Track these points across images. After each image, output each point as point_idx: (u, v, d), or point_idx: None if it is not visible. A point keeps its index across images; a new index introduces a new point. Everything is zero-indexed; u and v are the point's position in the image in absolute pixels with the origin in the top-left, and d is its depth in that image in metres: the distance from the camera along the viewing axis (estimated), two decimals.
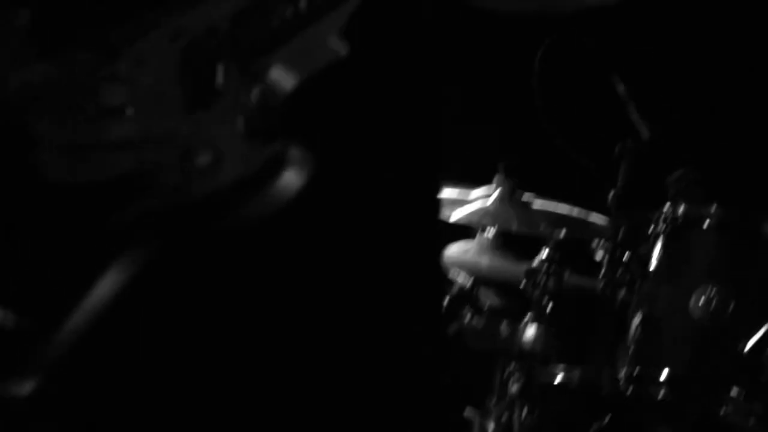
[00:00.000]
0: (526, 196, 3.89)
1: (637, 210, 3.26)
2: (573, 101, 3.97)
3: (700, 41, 4.30)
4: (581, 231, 3.68)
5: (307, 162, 1.48)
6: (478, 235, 3.92)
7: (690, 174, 3.24)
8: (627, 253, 3.22)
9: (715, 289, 3.13)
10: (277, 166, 1.47)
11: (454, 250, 3.85)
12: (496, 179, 3.90)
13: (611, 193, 3.23)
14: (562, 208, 3.85)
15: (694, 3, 4.27)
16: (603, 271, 3.23)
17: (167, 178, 1.50)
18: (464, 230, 3.99)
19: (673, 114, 3.83)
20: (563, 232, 3.41)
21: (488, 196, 3.90)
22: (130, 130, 1.51)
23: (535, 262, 3.39)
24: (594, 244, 3.30)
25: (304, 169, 1.48)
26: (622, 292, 3.26)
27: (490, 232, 3.89)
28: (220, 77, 1.51)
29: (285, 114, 1.50)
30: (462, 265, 3.75)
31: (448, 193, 3.97)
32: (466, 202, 3.93)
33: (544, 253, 3.39)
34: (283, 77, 1.50)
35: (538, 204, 3.89)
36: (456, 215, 3.88)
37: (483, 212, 3.88)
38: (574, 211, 3.78)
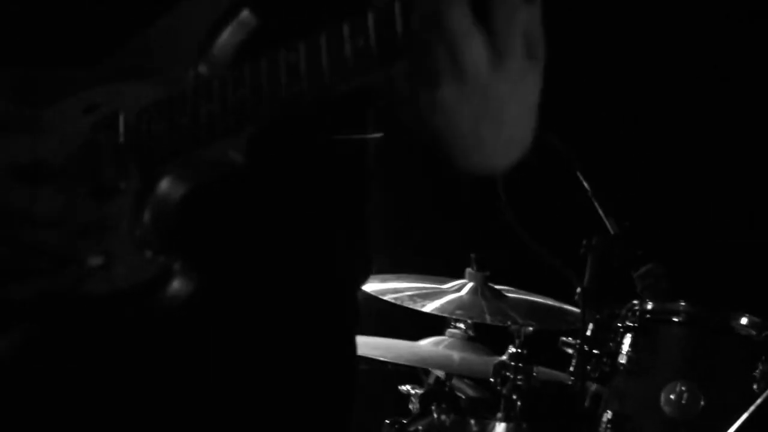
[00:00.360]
0: (499, 288, 3.88)
1: (605, 305, 3.25)
2: (539, 196, 3.98)
3: (666, 136, 4.33)
4: (555, 322, 3.68)
5: (192, 276, 1.50)
6: (450, 328, 3.90)
7: (657, 269, 3.24)
8: (595, 349, 3.20)
9: (684, 385, 3.11)
10: (164, 277, 1.49)
11: (427, 343, 3.83)
12: (468, 271, 3.90)
13: (578, 290, 3.22)
14: (535, 299, 3.84)
15: (657, 97, 4.31)
16: (573, 366, 3.21)
17: (62, 265, 1.51)
18: (438, 322, 3.97)
19: (640, 209, 3.84)
20: (531, 327, 3.40)
21: (461, 287, 3.90)
22: (46, 201, 1.52)
23: (504, 357, 3.37)
24: (562, 340, 3.29)
25: (190, 282, 1.50)
26: (593, 387, 3.24)
27: (463, 324, 3.88)
28: (121, 174, 1.51)
29: (175, 225, 1.52)
30: (434, 359, 3.73)
31: (421, 283, 3.97)
32: (439, 293, 3.92)
33: (513, 348, 3.37)
34: (172, 189, 1.51)
35: (511, 295, 3.88)
36: (429, 307, 3.87)
37: (456, 304, 3.86)
38: (547, 302, 3.77)
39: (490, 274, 3.86)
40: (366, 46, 1.38)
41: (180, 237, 1.51)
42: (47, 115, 1.56)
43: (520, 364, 3.32)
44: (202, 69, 1.51)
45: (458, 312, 3.86)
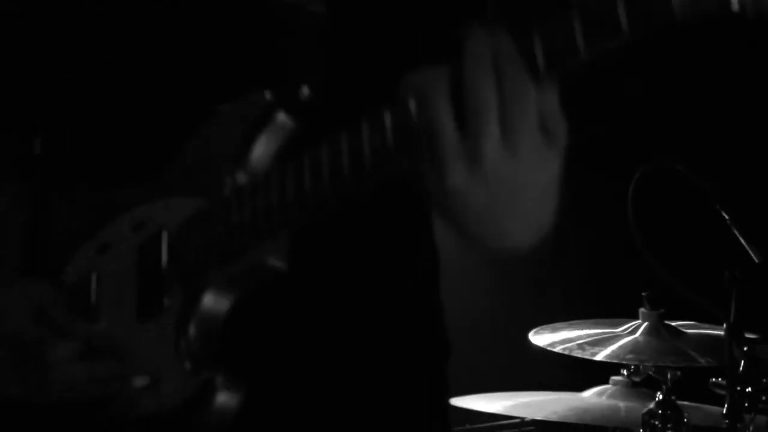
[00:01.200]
0: (677, 324, 3.69)
1: (755, 339, 3.04)
2: (675, 230, 3.79)
3: None
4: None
5: (238, 388, 1.47)
6: (620, 375, 3.72)
7: None
8: (749, 388, 3.00)
9: None
10: (209, 392, 1.46)
11: (590, 394, 3.67)
12: (642, 311, 3.72)
13: (724, 325, 3.02)
14: (717, 332, 3.62)
15: None
16: (725, 408, 3.01)
17: (113, 390, 1.50)
18: (611, 369, 3.81)
19: None
20: (678, 372, 3.20)
21: (636, 329, 3.72)
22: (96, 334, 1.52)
23: (651, 406, 3.19)
24: (712, 381, 3.09)
25: (237, 394, 1.46)
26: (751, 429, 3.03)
27: (632, 370, 3.70)
28: (165, 292, 1.50)
29: (220, 338, 1.49)
30: (598, 412, 3.57)
31: (593, 329, 3.82)
32: (612, 338, 3.76)
33: (660, 394, 3.20)
34: (216, 302, 1.48)
35: (691, 331, 3.68)
36: (600, 354, 3.72)
37: (629, 348, 3.69)
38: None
39: (665, 311, 3.68)
40: (383, 145, 1.36)
41: (225, 349, 1.48)
42: (101, 236, 1.57)
43: (669, 412, 3.14)
44: (240, 177, 1.49)
45: (629, 357, 3.69)
